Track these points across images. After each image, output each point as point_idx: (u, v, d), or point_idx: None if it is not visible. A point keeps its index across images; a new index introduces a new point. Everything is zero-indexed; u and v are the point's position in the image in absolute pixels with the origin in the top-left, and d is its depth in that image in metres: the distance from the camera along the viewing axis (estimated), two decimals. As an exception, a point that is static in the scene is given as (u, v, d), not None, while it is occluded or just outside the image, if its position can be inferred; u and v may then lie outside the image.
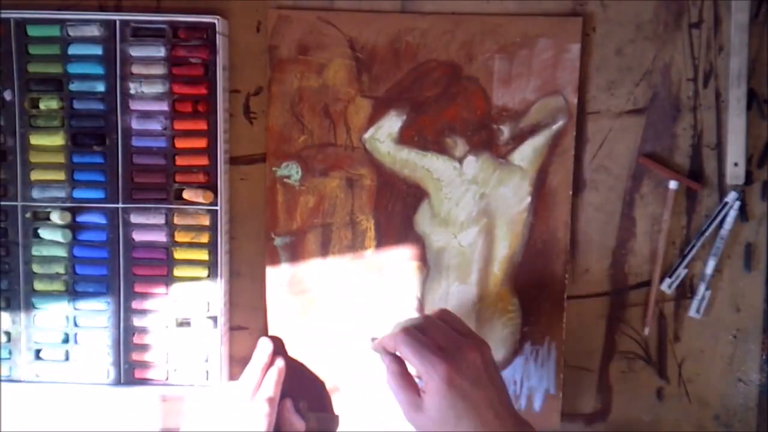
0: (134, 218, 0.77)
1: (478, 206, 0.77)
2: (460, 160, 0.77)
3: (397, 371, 0.70)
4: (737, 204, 0.76)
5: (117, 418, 0.81)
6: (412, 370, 0.68)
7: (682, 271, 0.78)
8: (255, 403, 0.73)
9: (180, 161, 0.76)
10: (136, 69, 0.76)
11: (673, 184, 0.76)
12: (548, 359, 0.78)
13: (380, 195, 0.78)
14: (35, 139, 0.76)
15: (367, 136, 0.77)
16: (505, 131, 0.77)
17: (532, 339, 0.78)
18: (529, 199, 0.77)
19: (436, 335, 0.69)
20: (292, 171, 0.78)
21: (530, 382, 0.79)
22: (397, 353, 0.69)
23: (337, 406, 0.80)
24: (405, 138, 0.77)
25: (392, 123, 0.77)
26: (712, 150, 0.77)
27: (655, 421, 0.80)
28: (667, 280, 0.78)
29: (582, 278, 0.79)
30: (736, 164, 0.76)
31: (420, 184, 0.78)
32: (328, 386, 0.79)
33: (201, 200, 0.76)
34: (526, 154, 0.77)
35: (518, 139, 0.77)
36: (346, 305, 0.79)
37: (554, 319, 0.78)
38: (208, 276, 0.77)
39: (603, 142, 0.77)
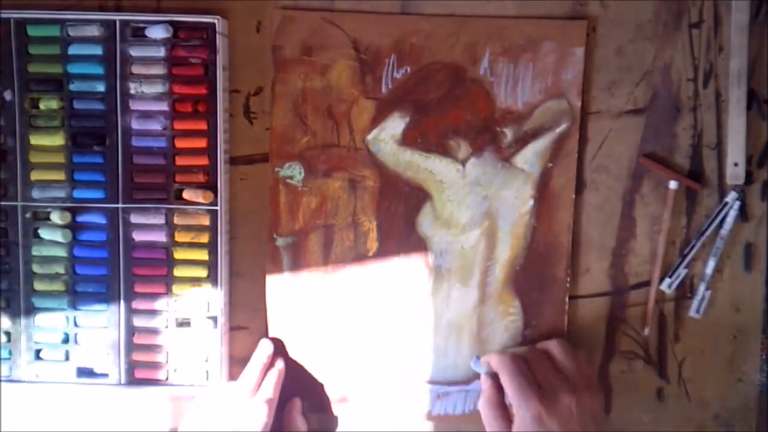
0: (134, 218, 0.77)
1: (481, 208, 0.77)
2: (463, 163, 0.77)
3: (494, 398, 0.71)
4: (737, 204, 0.77)
5: (117, 418, 0.81)
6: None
7: (682, 271, 0.78)
8: (254, 404, 0.73)
9: (180, 161, 0.76)
10: (136, 69, 0.76)
11: (673, 184, 0.76)
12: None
13: (383, 196, 0.78)
14: (35, 139, 0.76)
15: (370, 137, 0.77)
16: (509, 134, 0.77)
17: (534, 342, 0.78)
18: (531, 201, 0.77)
19: (539, 371, 0.70)
20: (295, 171, 0.78)
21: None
22: (498, 375, 0.71)
23: (338, 408, 0.80)
24: (408, 140, 0.77)
25: (396, 124, 0.77)
26: (712, 150, 0.77)
27: (655, 421, 0.80)
28: (667, 280, 0.78)
29: (582, 278, 0.79)
30: (736, 164, 0.76)
31: (423, 185, 0.78)
32: (335, 396, 0.80)
33: (201, 200, 0.76)
34: (529, 157, 0.77)
35: (521, 141, 0.77)
36: (347, 306, 0.79)
37: (556, 322, 0.78)
38: (208, 276, 0.77)
39: (603, 142, 0.77)
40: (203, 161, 0.76)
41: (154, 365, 0.78)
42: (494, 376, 0.73)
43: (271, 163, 0.78)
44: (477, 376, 0.78)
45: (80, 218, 0.77)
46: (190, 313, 0.78)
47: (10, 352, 0.78)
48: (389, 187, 0.78)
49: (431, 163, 0.77)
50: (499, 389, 0.72)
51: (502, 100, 0.76)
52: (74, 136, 0.76)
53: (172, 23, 0.75)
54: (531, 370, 0.71)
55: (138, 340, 0.78)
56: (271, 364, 0.78)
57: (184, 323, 0.78)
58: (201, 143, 0.76)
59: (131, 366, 0.78)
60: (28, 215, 0.77)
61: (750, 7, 0.75)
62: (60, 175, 0.76)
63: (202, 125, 0.76)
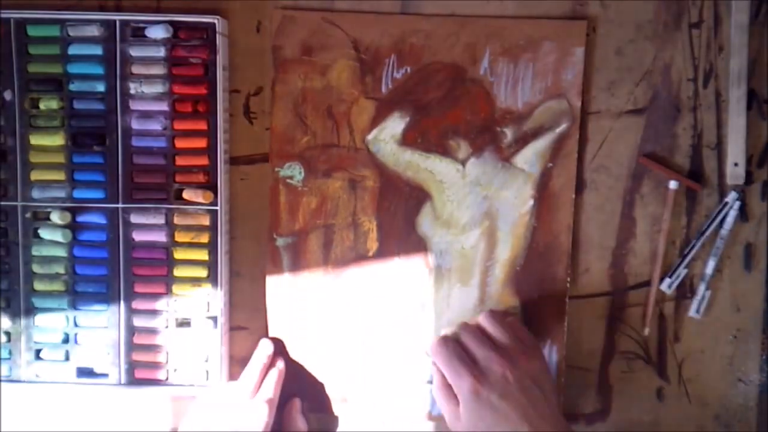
0: (134, 218, 0.77)
1: (481, 208, 0.77)
2: (464, 163, 0.77)
3: (439, 382, 0.71)
4: (737, 204, 0.77)
5: (117, 419, 0.81)
6: None
7: (682, 271, 0.78)
8: (254, 404, 0.74)
9: (180, 161, 0.76)
10: (136, 69, 0.76)
11: (673, 184, 0.76)
12: (549, 362, 0.78)
13: (383, 196, 0.78)
14: (35, 139, 0.76)
15: (370, 137, 0.77)
16: (509, 134, 0.77)
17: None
18: (531, 201, 0.77)
19: (470, 345, 0.70)
20: (295, 171, 0.78)
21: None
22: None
23: (338, 408, 0.80)
24: (408, 140, 0.77)
25: (396, 124, 0.77)
26: (712, 150, 0.77)
27: (655, 421, 0.80)
28: (667, 280, 0.78)
29: (582, 278, 0.79)
30: (736, 164, 0.76)
31: (423, 185, 0.78)
32: (335, 397, 0.80)
33: (201, 200, 0.76)
34: (529, 157, 0.77)
35: (521, 141, 0.77)
36: (347, 306, 0.79)
37: (556, 322, 0.78)
38: (208, 276, 0.77)
39: (603, 142, 0.77)
40: (203, 161, 0.76)
41: (154, 365, 0.78)
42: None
43: (271, 163, 0.78)
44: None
45: (80, 218, 0.77)
46: (190, 313, 0.78)
47: (10, 352, 0.78)
48: (389, 187, 0.78)
49: (431, 163, 0.77)
50: (442, 373, 0.71)
51: (502, 100, 0.76)
52: (74, 136, 0.76)
53: (172, 23, 0.75)
54: (464, 347, 0.70)
55: (138, 340, 0.78)
56: (271, 364, 0.78)
57: (184, 323, 0.78)
58: (201, 143, 0.76)
59: (131, 366, 0.78)
60: (28, 215, 0.77)
61: (750, 7, 0.75)
62: (60, 175, 0.76)
63: (202, 125, 0.76)
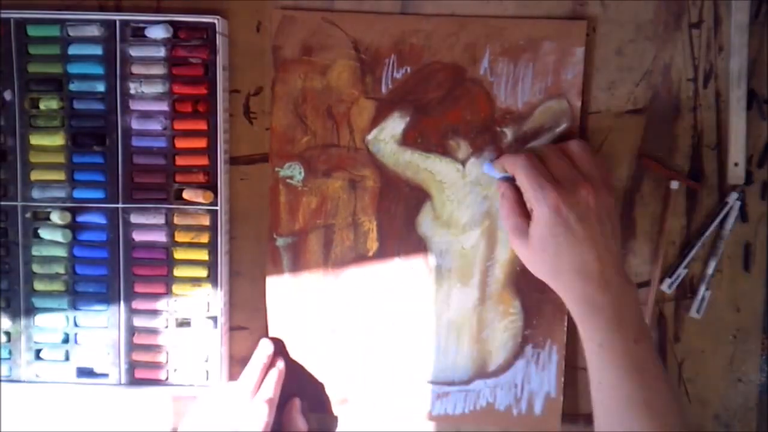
0: (134, 218, 0.77)
1: (481, 208, 0.77)
2: (464, 163, 0.77)
3: (511, 197, 0.71)
4: (737, 204, 0.77)
5: (117, 419, 0.81)
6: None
7: (682, 271, 0.78)
8: (254, 404, 0.74)
9: (180, 161, 0.76)
10: (136, 69, 0.76)
11: (673, 184, 0.76)
12: (549, 362, 0.78)
13: (383, 196, 0.78)
14: (35, 139, 0.76)
15: (370, 137, 0.77)
16: (509, 134, 0.77)
17: (534, 342, 0.78)
18: (532, 201, 0.77)
19: (556, 166, 0.69)
20: (294, 171, 0.78)
21: (531, 386, 0.78)
22: (514, 176, 0.70)
23: (338, 409, 0.80)
24: (408, 140, 0.77)
25: (396, 124, 0.77)
26: (712, 150, 0.77)
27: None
28: (667, 280, 0.78)
29: (582, 278, 0.79)
30: (736, 164, 0.76)
31: (423, 185, 0.78)
32: (335, 398, 0.80)
33: (201, 200, 0.76)
34: (529, 157, 0.77)
35: (521, 141, 0.76)
36: (347, 306, 0.79)
37: (556, 322, 0.78)
38: (208, 276, 0.77)
39: (603, 142, 0.77)
40: (203, 161, 0.76)
41: (155, 365, 0.78)
42: (510, 179, 0.72)
43: (271, 163, 0.78)
44: (477, 375, 0.78)
45: (80, 218, 0.77)
46: (190, 313, 0.78)
47: (10, 352, 0.78)
48: (389, 187, 0.78)
49: (431, 163, 0.77)
50: (516, 189, 0.71)
51: (502, 100, 0.76)
52: (74, 136, 0.76)
53: (172, 23, 0.75)
54: (547, 165, 0.69)
55: (138, 340, 0.78)
56: (271, 364, 0.78)
57: (184, 323, 0.78)
58: (201, 143, 0.76)
59: (131, 366, 0.78)
60: (28, 215, 0.77)
61: (750, 7, 0.75)
62: (60, 175, 0.76)
63: (202, 125, 0.76)
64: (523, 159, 0.69)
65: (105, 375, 0.78)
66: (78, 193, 0.77)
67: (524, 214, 0.70)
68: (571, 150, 0.71)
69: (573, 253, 0.66)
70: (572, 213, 0.66)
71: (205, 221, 0.77)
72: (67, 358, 0.78)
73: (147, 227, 0.77)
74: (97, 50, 0.75)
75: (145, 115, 0.76)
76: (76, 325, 0.78)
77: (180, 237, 0.77)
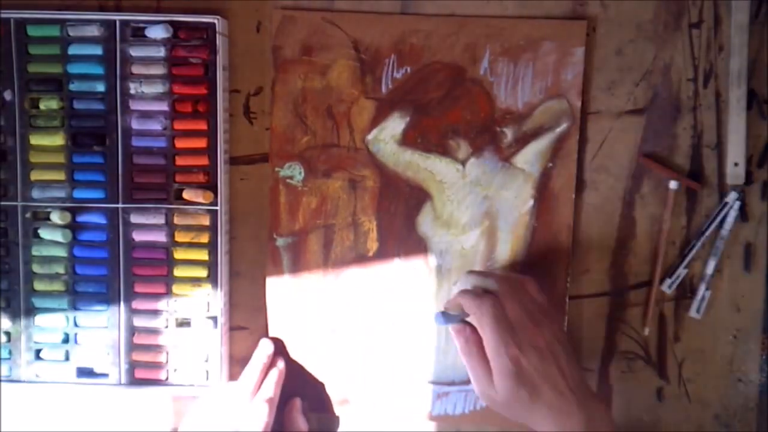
0: (134, 218, 0.77)
1: (481, 208, 0.77)
2: (464, 163, 0.77)
3: (477, 341, 0.68)
4: (737, 204, 0.77)
5: (117, 419, 0.81)
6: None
7: (682, 271, 0.78)
8: (254, 404, 0.73)
9: (180, 161, 0.76)
10: (136, 69, 0.76)
11: (673, 184, 0.76)
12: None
13: (383, 196, 0.78)
14: (35, 139, 0.76)
15: (370, 137, 0.77)
16: (509, 134, 0.77)
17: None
18: (531, 201, 0.77)
19: (511, 307, 0.67)
20: (295, 171, 0.78)
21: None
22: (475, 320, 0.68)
23: (339, 410, 0.80)
24: (408, 140, 0.77)
25: (396, 124, 0.77)
26: (712, 150, 0.77)
27: (655, 421, 0.80)
28: (667, 280, 0.78)
29: (582, 278, 0.79)
30: (736, 164, 0.76)
31: (423, 185, 0.78)
32: (336, 398, 0.80)
33: (201, 200, 0.76)
34: (529, 157, 0.77)
35: (521, 141, 0.76)
36: (347, 306, 0.79)
37: (555, 321, 0.78)
38: (208, 276, 0.77)
39: (603, 142, 0.77)
40: (203, 161, 0.76)
41: (155, 365, 0.78)
42: (467, 322, 0.70)
43: (271, 163, 0.78)
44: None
45: (80, 218, 0.77)
46: (190, 313, 0.78)
47: (10, 352, 0.78)
48: (389, 187, 0.78)
49: (431, 163, 0.77)
50: (476, 332, 0.68)
51: (502, 100, 0.76)
52: (74, 136, 0.76)
53: (172, 23, 0.75)
54: (503, 305, 0.67)
55: (138, 340, 0.78)
56: (271, 364, 0.78)
57: (184, 323, 0.78)
58: (201, 143, 0.76)
59: (131, 366, 0.78)
60: (28, 215, 0.77)
61: (750, 7, 0.75)
62: (60, 175, 0.76)
63: (202, 125, 0.76)
64: (489, 308, 0.66)
65: (105, 375, 0.78)
66: (78, 193, 0.77)
67: (486, 362, 0.67)
68: (528, 288, 0.70)
69: (540, 404, 0.65)
70: (531, 363, 0.64)
71: (205, 221, 0.77)
72: (67, 358, 0.78)
73: (147, 227, 0.77)
74: (97, 50, 0.75)
75: (145, 115, 0.76)
76: (76, 325, 0.78)
77: (180, 237, 0.77)
